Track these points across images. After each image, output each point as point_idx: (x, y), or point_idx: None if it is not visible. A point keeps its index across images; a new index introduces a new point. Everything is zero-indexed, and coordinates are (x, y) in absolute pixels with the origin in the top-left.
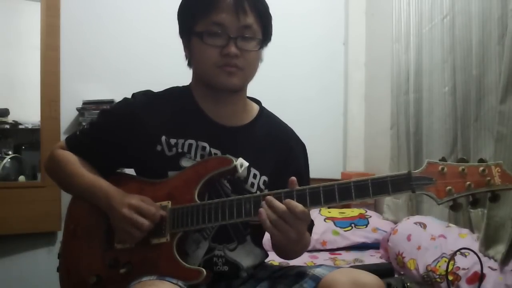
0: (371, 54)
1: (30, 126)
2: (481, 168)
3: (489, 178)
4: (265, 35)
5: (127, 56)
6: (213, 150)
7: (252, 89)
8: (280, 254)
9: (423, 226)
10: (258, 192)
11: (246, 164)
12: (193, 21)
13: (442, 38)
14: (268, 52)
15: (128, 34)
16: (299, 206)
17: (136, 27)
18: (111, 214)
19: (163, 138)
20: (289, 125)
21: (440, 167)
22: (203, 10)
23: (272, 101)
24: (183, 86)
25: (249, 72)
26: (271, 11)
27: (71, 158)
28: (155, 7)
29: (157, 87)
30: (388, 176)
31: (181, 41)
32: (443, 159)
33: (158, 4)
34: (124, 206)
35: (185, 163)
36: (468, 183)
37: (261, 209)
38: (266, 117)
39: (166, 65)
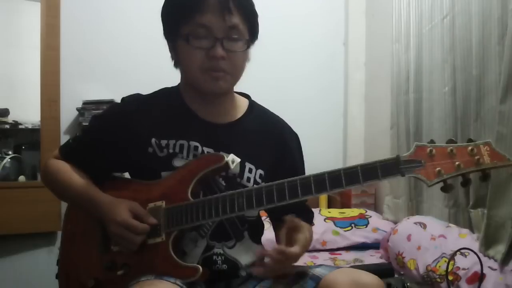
0: (371, 54)
1: (30, 126)
2: (469, 148)
3: (478, 157)
4: (252, 35)
5: (127, 56)
6: (206, 149)
7: (253, 90)
8: None
9: (423, 226)
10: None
11: (237, 160)
12: (177, 23)
13: (442, 38)
14: (268, 52)
15: (128, 34)
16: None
17: (136, 27)
18: (104, 223)
19: (153, 140)
20: (289, 125)
21: (428, 150)
22: (187, 12)
23: (272, 101)
24: (172, 87)
25: (236, 74)
26: (272, 12)
27: (62, 168)
28: (155, 7)
29: (157, 87)
30: (377, 162)
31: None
32: (432, 142)
33: (158, 4)
34: (112, 224)
35: (178, 163)
36: (457, 163)
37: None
38: (257, 111)
39: (166, 65)
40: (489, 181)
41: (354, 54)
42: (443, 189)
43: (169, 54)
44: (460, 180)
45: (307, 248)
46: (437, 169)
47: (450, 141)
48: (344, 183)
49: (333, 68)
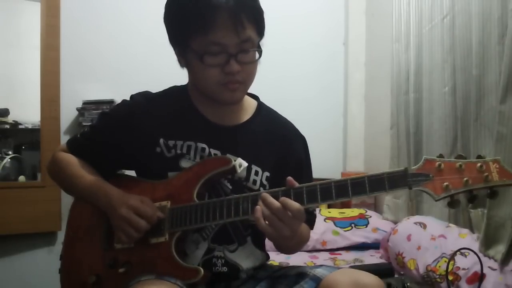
0: (371, 54)
1: (30, 126)
2: (478, 164)
3: (486, 174)
4: (261, 37)
5: (127, 56)
6: (213, 151)
7: (253, 90)
8: (275, 247)
9: (423, 226)
10: (261, 189)
11: (245, 164)
12: (188, 36)
13: (442, 38)
14: (268, 52)
15: (128, 34)
16: (295, 205)
17: (136, 27)
18: (110, 213)
19: (161, 140)
20: (296, 127)
21: (437, 164)
22: (199, 28)
23: (272, 101)
24: (181, 86)
25: (250, 82)
26: (272, 12)
27: (72, 160)
28: (155, 7)
29: (157, 87)
30: (384, 173)
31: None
32: (441, 156)
33: (158, 4)
34: (123, 206)
35: (185, 164)
36: (465, 179)
37: (257, 207)
38: (265, 113)
39: (166, 65)
40: (495, 199)
41: (354, 54)
42: (450, 204)
43: (169, 54)
44: (467, 195)
45: (296, 234)
46: (445, 184)
47: (459, 157)
48: (351, 193)
49: (333, 68)
